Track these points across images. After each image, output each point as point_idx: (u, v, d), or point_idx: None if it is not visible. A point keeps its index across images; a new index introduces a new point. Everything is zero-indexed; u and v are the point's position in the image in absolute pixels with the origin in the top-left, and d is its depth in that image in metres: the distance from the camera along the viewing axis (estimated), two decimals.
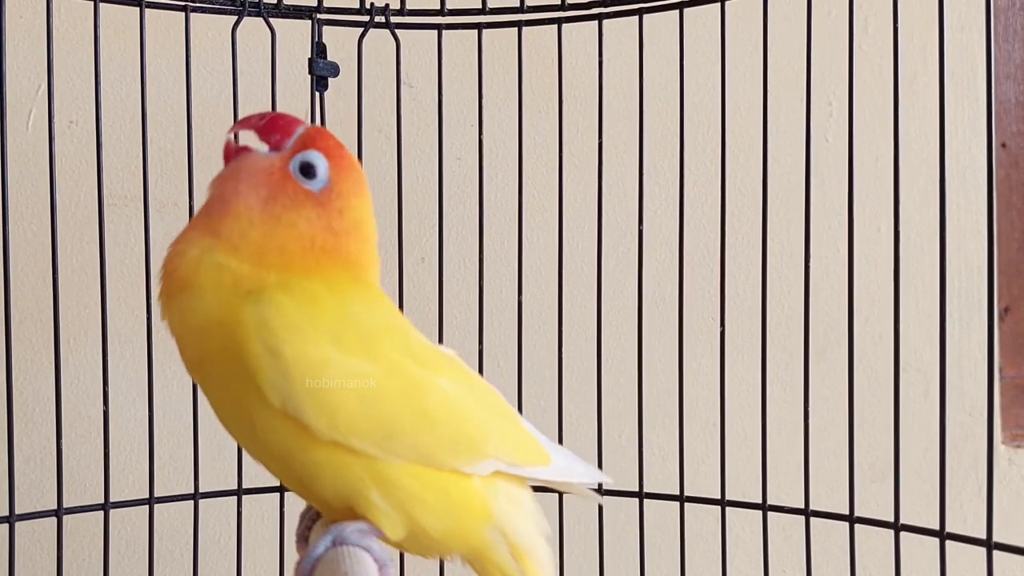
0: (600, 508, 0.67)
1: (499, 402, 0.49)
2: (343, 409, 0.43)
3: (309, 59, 0.67)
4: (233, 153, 0.47)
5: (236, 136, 0.48)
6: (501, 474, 0.47)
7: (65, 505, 0.62)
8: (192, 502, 0.67)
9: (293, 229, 0.45)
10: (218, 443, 0.59)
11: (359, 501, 0.44)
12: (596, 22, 0.68)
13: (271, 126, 0.47)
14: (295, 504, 0.55)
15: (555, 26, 0.69)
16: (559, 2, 0.69)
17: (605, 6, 0.68)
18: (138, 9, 0.63)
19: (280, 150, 0.46)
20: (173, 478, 0.79)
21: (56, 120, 0.61)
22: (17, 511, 0.60)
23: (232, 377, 0.43)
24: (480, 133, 0.70)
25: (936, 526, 0.59)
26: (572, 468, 0.50)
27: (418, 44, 0.81)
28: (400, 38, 0.68)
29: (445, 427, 0.45)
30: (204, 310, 0.43)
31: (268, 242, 0.44)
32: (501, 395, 0.49)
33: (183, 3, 0.64)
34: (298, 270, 0.45)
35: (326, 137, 0.47)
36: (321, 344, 0.43)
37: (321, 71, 0.67)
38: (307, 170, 0.46)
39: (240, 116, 0.65)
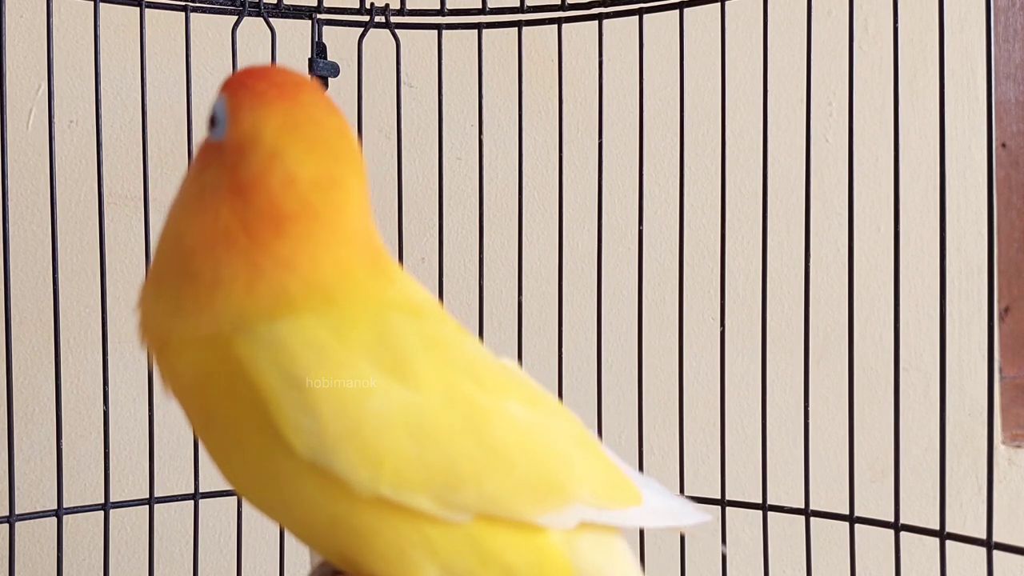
0: None
1: (576, 426, 0.39)
2: (390, 454, 0.33)
3: (309, 59, 0.67)
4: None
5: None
6: (587, 525, 0.38)
7: (65, 505, 0.62)
8: (192, 502, 0.67)
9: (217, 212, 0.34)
10: None
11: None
12: (596, 22, 0.68)
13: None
14: None
15: (555, 26, 0.69)
16: (559, 2, 0.69)
17: (605, 6, 0.68)
18: (138, 9, 0.63)
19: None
20: (173, 478, 0.79)
21: (56, 120, 0.61)
22: (17, 511, 0.60)
23: (246, 433, 0.34)
24: (480, 133, 0.70)
25: (936, 526, 0.59)
26: (669, 507, 0.41)
27: (418, 44, 0.81)
28: (400, 38, 0.68)
29: (523, 467, 0.35)
30: (190, 363, 0.34)
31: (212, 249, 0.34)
32: (572, 413, 0.40)
33: (183, 3, 0.64)
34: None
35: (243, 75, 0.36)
36: (357, 368, 0.33)
37: (321, 71, 0.67)
38: (212, 121, 0.35)
39: None
